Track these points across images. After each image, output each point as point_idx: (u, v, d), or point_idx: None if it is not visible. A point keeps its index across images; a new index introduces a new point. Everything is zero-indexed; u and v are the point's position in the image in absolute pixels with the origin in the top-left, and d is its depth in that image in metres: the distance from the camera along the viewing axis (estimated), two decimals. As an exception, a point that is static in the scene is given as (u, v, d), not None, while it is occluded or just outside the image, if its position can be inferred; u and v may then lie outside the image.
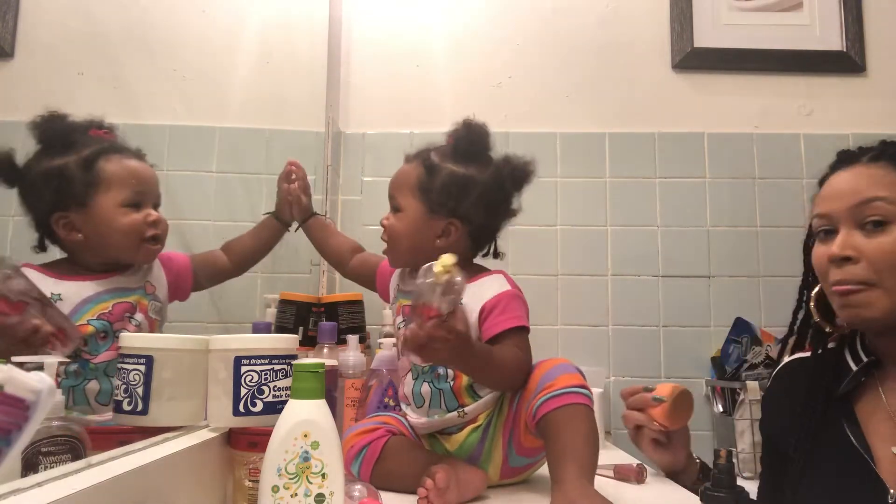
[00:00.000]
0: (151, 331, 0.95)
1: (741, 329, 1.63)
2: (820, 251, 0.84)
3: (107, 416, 0.83)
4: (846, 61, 1.82)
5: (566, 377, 0.88)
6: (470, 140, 1.02)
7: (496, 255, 1.08)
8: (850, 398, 0.85)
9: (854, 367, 0.86)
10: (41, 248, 0.91)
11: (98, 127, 0.95)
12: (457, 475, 0.86)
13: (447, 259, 0.78)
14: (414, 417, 1.01)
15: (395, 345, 1.24)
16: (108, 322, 0.89)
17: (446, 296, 0.78)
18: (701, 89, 1.85)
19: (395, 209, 1.04)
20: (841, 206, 0.81)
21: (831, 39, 1.83)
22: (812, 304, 0.92)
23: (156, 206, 0.97)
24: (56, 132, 0.88)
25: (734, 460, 0.87)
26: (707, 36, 1.84)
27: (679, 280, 1.77)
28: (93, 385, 0.86)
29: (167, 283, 1.01)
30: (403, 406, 1.04)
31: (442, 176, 1.00)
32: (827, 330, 0.91)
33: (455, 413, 0.97)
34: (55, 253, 0.93)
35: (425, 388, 0.99)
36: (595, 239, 1.78)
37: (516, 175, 1.02)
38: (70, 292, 0.88)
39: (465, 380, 0.97)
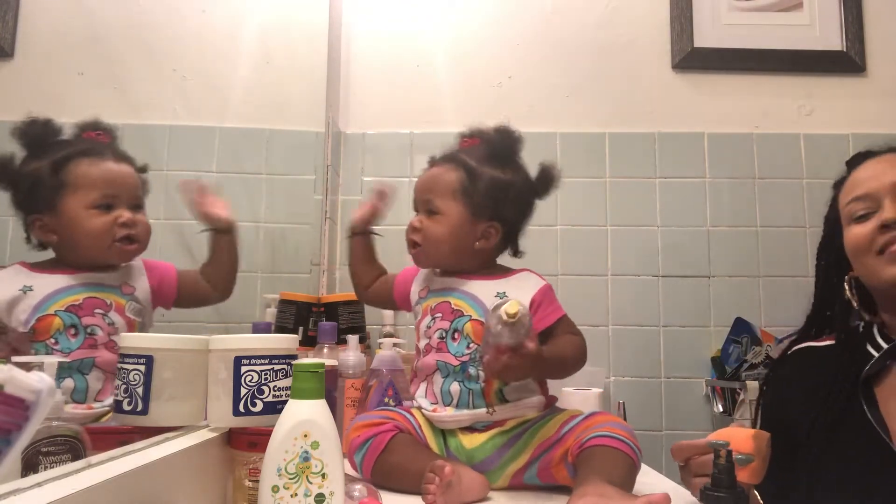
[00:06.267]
0: (130, 332, 0.93)
1: (741, 329, 1.63)
2: (859, 229, 0.90)
3: (80, 412, 0.83)
4: (846, 61, 1.82)
5: (628, 434, 0.91)
6: (505, 145, 1.07)
7: (516, 253, 1.12)
8: (870, 382, 0.88)
9: (875, 354, 0.88)
10: (41, 246, 0.92)
11: (93, 129, 0.95)
12: (459, 477, 0.86)
13: (513, 307, 0.85)
14: (438, 412, 1.00)
15: (394, 345, 1.25)
16: (76, 315, 0.88)
17: (516, 334, 0.86)
18: (701, 89, 1.85)
19: (431, 212, 1.05)
20: (883, 183, 0.88)
21: (831, 39, 1.83)
22: (848, 291, 0.95)
23: (137, 208, 0.95)
24: (34, 137, 0.89)
25: (734, 460, 0.87)
26: (707, 36, 1.84)
27: (679, 280, 1.77)
28: (67, 383, 0.85)
29: (149, 288, 0.99)
30: (425, 403, 1.03)
31: (485, 180, 1.03)
32: (866, 319, 0.94)
33: (484, 409, 0.98)
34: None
35: (455, 387, 0.99)
36: (595, 239, 1.78)
37: (546, 179, 1.08)
38: (42, 284, 0.88)
39: (496, 383, 0.98)
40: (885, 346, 0.89)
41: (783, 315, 1.71)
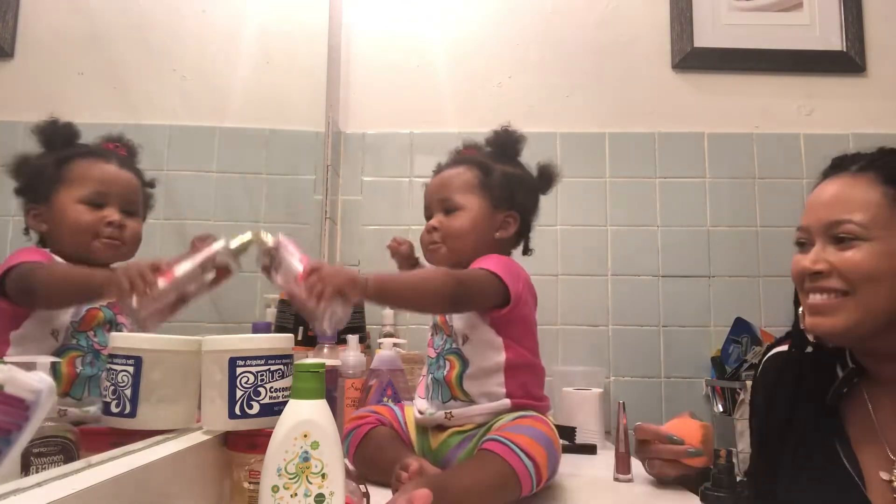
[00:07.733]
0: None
1: (741, 329, 1.63)
2: (796, 259, 0.87)
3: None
4: (846, 61, 1.82)
5: (531, 445, 0.86)
6: (511, 142, 1.11)
7: (527, 250, 1.13)
8: (841, 413, 0.85)
9: (840, 374, 0.85)
10: (39, 238, 0.94)
11: (115, 141, 0.97)
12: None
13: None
14: (420, 409, 1.04)
15: (394, 345, 1.24)
16: (112, 312, 0.91)
17: (275, 262, 0.87)
18: (701, 89, 1.85)
19: (450, 210, 1.06)
20: (816, 222, 0.83)
21: (831, 39, 1.83)
22: (801, 309, 0.91)
23: (130, 213, 0.95)
24: (52, 136, 0.91)
25: (734, 460, 0.87)
26: (707, 36, 1.84)
27: (679, 280, 1.77)
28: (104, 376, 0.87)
29: None
30: (417, 399, 1.07)
31: (498, 173, 1.07)
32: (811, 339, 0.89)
33: (443, 413, 1.00)
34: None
35: (429, 378, 1.03)
36: (595, 239, 1.78)
37: (547, 176, 1.12)
38: None
39: (456, 370, 0.99)
40: (850, 364, 0.85)
41: (783, 315, 1.69)
